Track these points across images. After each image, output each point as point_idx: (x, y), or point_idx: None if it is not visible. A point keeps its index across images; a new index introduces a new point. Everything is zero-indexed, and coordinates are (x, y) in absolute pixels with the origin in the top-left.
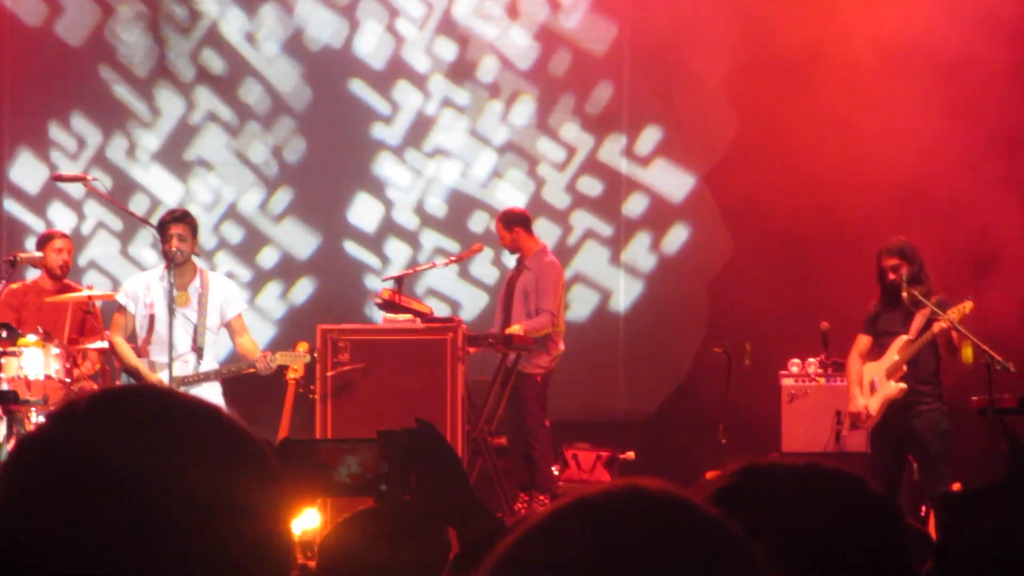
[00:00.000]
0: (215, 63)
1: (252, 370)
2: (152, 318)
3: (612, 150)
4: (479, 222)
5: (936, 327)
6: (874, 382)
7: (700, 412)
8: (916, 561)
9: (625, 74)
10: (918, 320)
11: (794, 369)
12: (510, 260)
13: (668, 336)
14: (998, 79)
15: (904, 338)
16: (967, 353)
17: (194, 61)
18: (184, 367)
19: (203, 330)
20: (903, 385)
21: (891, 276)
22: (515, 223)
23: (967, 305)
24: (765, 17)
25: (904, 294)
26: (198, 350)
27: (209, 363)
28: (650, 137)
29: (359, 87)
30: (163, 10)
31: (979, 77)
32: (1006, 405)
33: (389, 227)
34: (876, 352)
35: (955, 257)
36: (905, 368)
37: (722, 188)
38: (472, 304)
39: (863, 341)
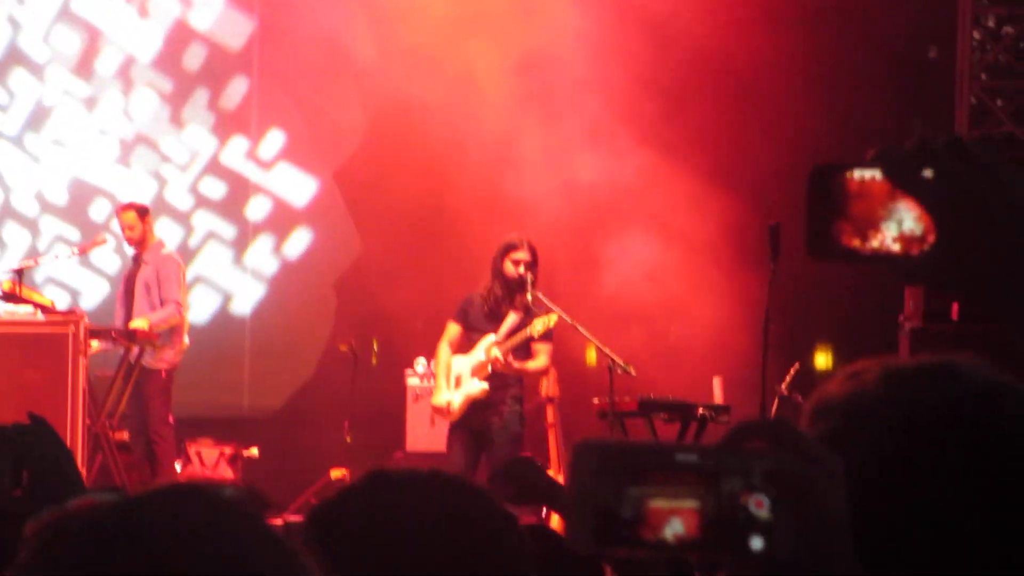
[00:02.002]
0: None
1: None
2: None
3: (237, 152)
4: (100, 211)
5: (525, 335)
6: (460, 377)
7: (326, 410)
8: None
9: (255, 71)
10: (511, 320)
11: (419, 368)
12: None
13: (294, 335)
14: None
15: (492, 337)
16: (590, 356)
17: None
18: None
19: None
20: (485, 385)
21: (517, 272)
22: (147, 213)
23: (551, 319)
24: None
25: (529, 295)
26: None
27: None
28: (275, 140)
29: None
30: None
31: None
32: (626, 408)
33: (7, 212)
34: (466, 344)
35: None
36: (490, 368)
37: (350, 186)
38: (92, 293)
39: (453, 329)
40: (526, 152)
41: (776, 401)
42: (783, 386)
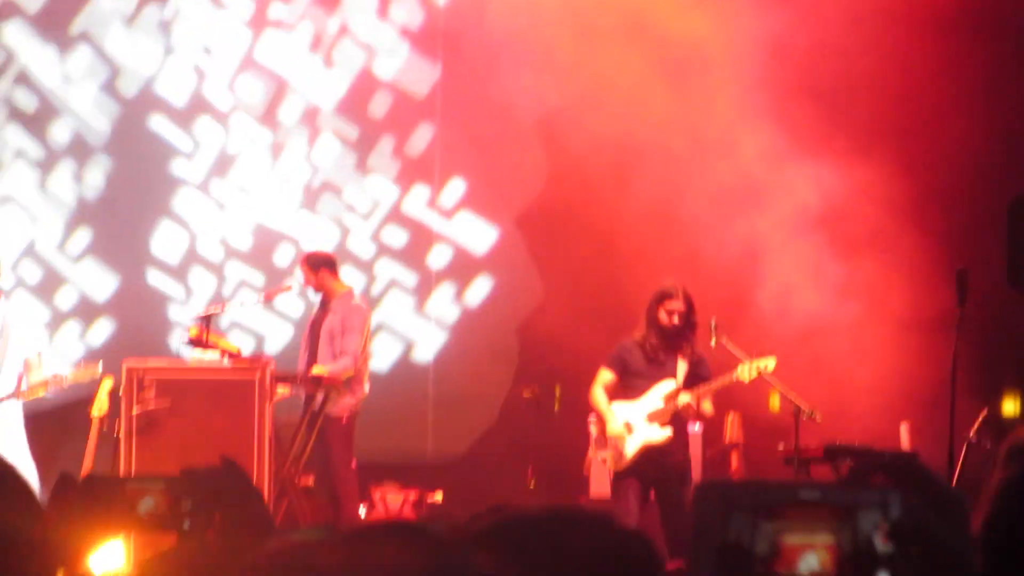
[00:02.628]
0: (24, 100)
1: (42, 389)
2: None
3: (419, 200)
4: (285, 255)
5: (729, 380)
6: (630, 424)
7: (509, 456)
8: None
9: (439, 118)
10: (682, 367)
11: None
12: (317, 296)
13: (477, 382)
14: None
15: (670, 384)
16: (774, 401)
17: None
18: None
19: None
20: (669, 431)
21: (672, 321)
22: (320, 264)
23: (769, 364)
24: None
25: (713, 341)
26: None
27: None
28: (456, 188)
29: (160, 123)
30: None
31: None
32: (812, 454)
33: (193, 258)
34: (625, 391)
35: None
36: (671, 415)
37: (532, 231)
38: (277, 338)
39: (607, 376)
40: (696, 199)
41: (964, 447)
42: (972, 432)
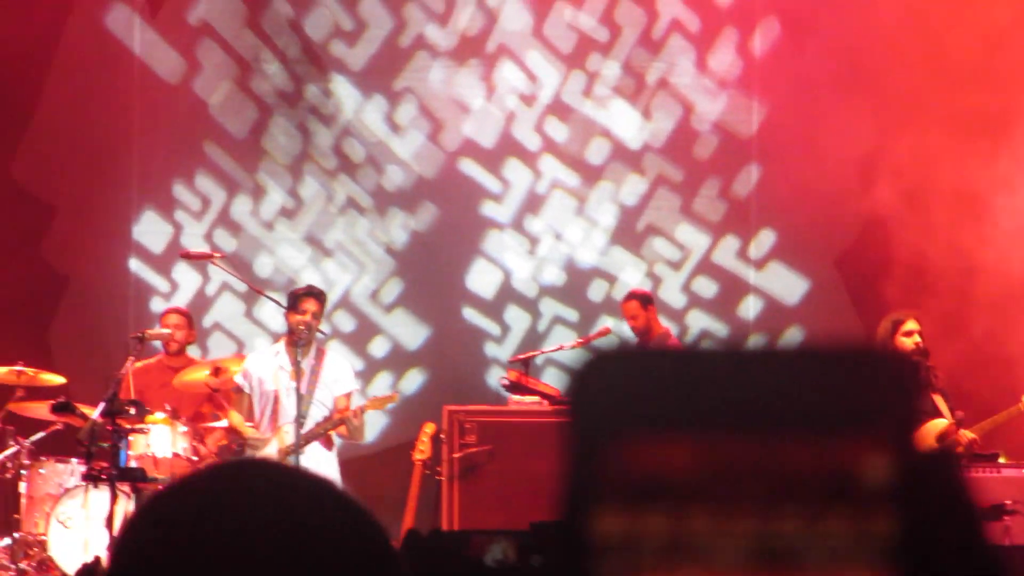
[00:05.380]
0: (354, 150)
1: (342, 425)
2: (265, 395)
3: (729, 251)
4: (598, 291)
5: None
6: None
7: None
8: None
9: (755, 163)
10: (940, 400)
11: None
12: (628, 333)
13: None
14: None
15: (943, 422)
16: None
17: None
18: (288, 437)
19: (309, 401)
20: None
21: (916, 344)
22: (650, 303)
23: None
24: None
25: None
26: (301, 419)
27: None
28: (767, 238)
29: (469, 165)
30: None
31: None
32: None
33: (508, 295)
34: None
35: None
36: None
37: (851, 276)
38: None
39: None
40: None
41: None
42: None
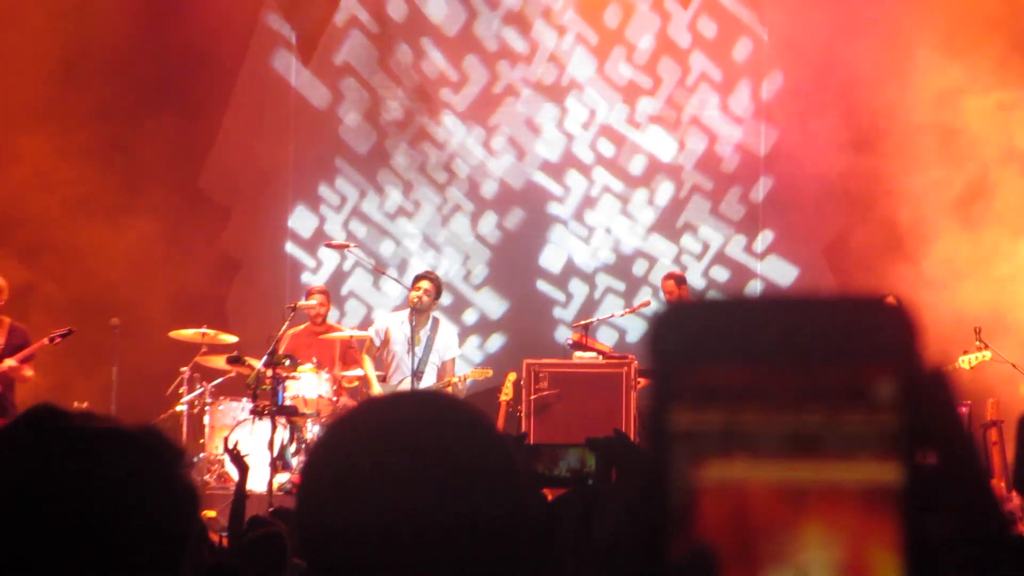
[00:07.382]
0: (459, 168)
1: (450, 387)
2: (391, 351)
3: (738, 246)
4: (640, 268)
5: None
6: None
7: None
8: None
9: (759, 173)
10: None
11: None
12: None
13: None
14: None
15: None
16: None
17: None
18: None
19: (425, 363)
20: None
21: None
22: (684, 283)
23: None
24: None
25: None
26: (418, 376)
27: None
28: (764, 239)
29: (541, 176)
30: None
31: None
32: None
33: (571, 270)
34: None
35: None
36: None
37: (838, 264)
38: (637, 333)
39: None
40: None
41: None
42: None
